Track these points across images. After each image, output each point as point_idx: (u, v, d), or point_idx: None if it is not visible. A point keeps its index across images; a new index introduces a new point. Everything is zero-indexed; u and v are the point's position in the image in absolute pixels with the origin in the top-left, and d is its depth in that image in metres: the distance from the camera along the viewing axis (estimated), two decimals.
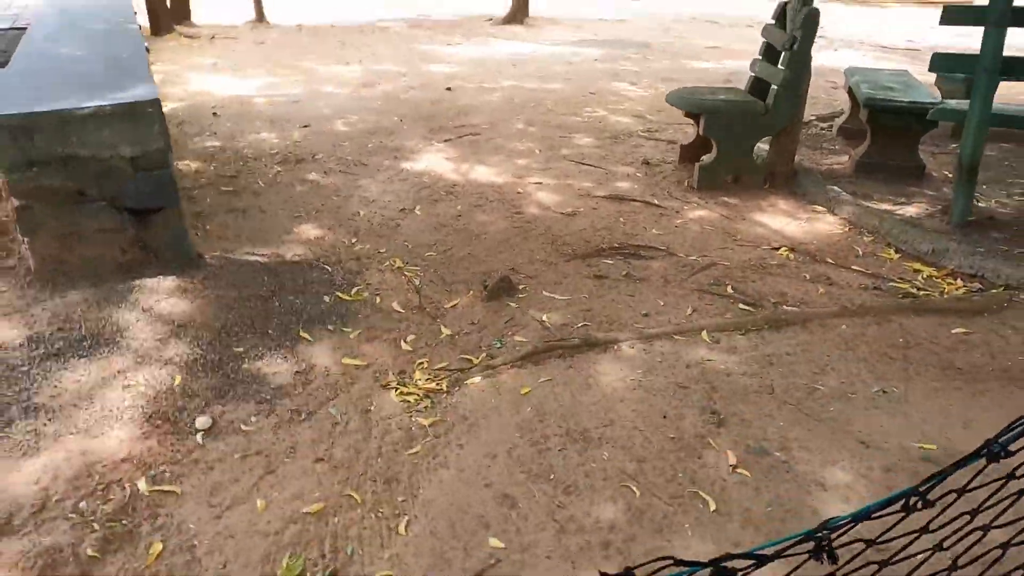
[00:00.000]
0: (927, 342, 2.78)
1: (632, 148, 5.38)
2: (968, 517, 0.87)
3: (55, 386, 2.36)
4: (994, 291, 3.18)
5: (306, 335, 2.79)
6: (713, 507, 1.99)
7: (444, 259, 3.55)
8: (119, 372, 2.45)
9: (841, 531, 0.80)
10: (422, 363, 2.66)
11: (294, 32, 11.28)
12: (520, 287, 3.23)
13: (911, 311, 2.99)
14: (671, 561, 0.73)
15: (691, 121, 4.96)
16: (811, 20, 4.08)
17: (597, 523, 1.94)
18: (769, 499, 2.02)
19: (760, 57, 4.66)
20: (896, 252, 3.61)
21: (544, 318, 2.97)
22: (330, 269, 3.37)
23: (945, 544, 0.89)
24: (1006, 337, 2.83)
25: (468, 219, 4.04)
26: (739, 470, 2.11)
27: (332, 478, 2.08)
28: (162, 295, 2.87)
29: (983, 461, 0.83)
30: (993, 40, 3.39)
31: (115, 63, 3.37)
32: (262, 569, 1.79)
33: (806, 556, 0.78)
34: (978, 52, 3.48)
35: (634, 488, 2.05)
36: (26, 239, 2.78)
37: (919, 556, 0.86)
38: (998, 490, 0.88)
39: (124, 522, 1.90)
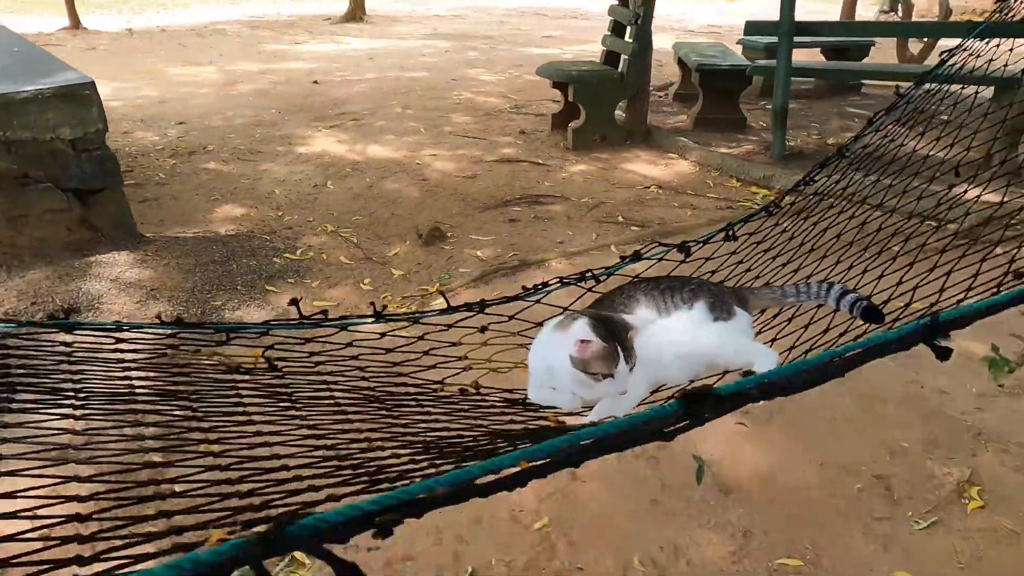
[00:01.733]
0: None
1: (506, 122, 5.97)
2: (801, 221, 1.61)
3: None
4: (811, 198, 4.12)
5: (272, 288, 3.07)
6: None
7: (371, 221, 3.92)
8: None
9: (741, 225, 1.49)
10: (386, 296, 3.05)
11: (126, 37, 10.71)
12: (449, 235, 3.69)
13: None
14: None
15: (556, 94, 5.65)
16: (649, 1, 4.88)
17: None
18: None
19: (609, 33, 5.43)
20: (738, 181, 4.49)
21: (478, 253, 3.46)
22: (268, 237, 3.63)
23: (793, 232, 1.60)
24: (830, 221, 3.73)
25: (380, 188, 4.41)
26: None
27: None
28: (123, 267, 3.01)
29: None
30: (787, 7, 4.35)
31: (21, 55, 3.38)
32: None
33: (722, 240, 1.45)
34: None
35: None
36: None
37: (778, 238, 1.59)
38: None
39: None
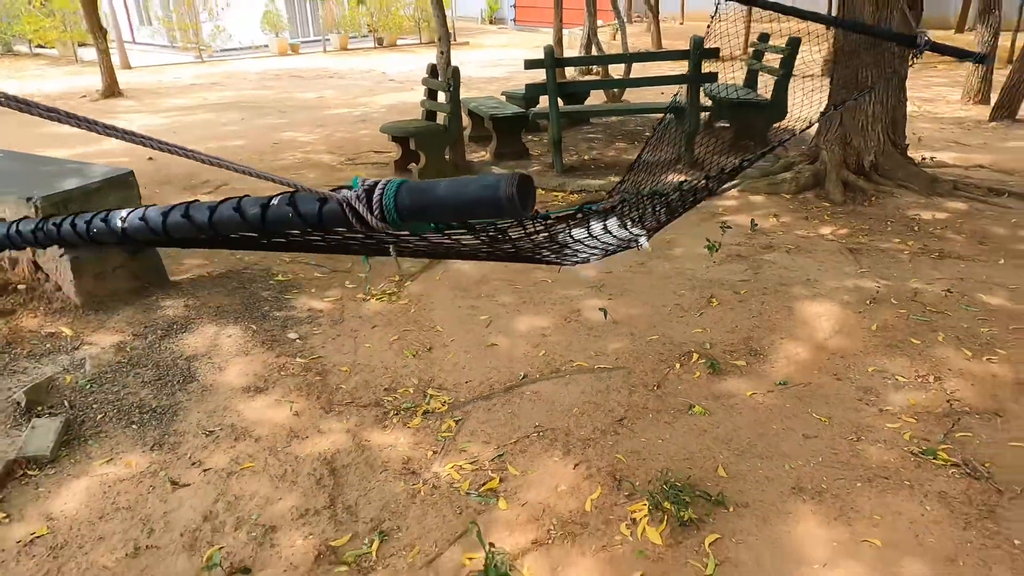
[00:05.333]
0: None
1: (351, 172, 7.55)
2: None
3: (191, 347, 3.68)
4: (592, 194, 6.45)
5: (289, 296, 4.44)
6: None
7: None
8: (216, 332, 3.85)
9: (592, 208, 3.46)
10: (370, 288, 4.60)
11: None
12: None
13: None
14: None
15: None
16: (456, 73, 6.91)
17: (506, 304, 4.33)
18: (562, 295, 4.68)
19: (426, 97, 7.36)
20: (543, 191, 6.69)
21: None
22: (249, 272, 4.89)
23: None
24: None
25: None
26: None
27: (389, 334, 4.00)
28: (182, 299, 4.16)
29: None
30: (551, 75, 6.69)
31: (33, 162, 4.30)
32: (395, 365, 3.70)
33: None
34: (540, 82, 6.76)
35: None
36: (75, 281, 3.80)
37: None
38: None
39: (315, 370, 3.57)
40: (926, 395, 3.13)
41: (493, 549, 2.24)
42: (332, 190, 1.24)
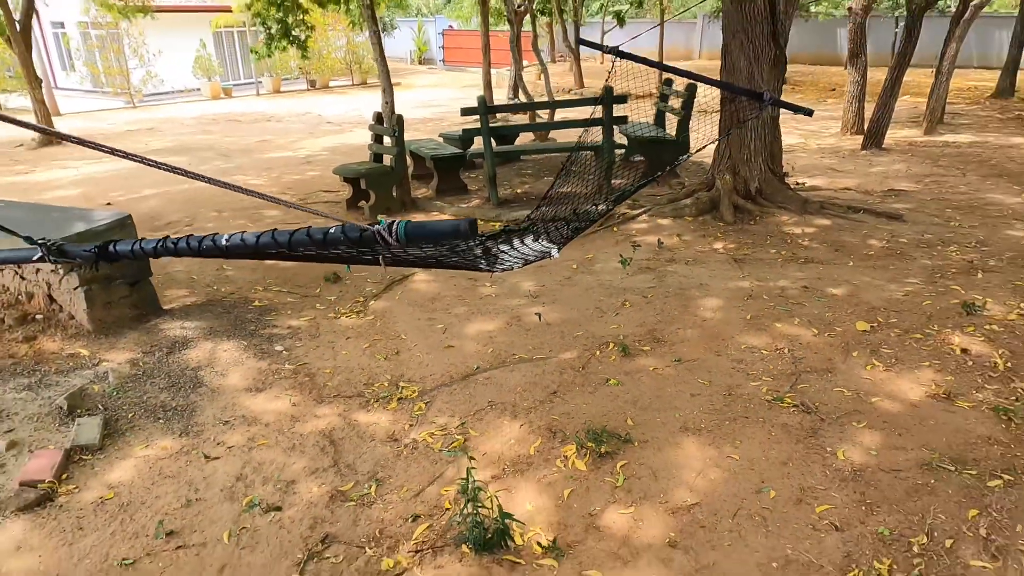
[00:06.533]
0: None
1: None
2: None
3: (195, 360, 4.35)
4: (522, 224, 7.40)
5: (270, 318, 5.15)
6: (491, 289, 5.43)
7: (282, 280, 6.04)
8: (213, 347, 4.53)
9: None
10: (338, 307, 5.36)
11: None
12: (343, 277, 6.05)
13: None
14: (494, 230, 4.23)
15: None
16: (400, 121, 7.80)
17: (453, 311, 5.17)
18: (501, 298, 5.56)
19: (372, 142, 8.20)
20: (483, 221, 7.60)
21: (369, 279, 5.92)
22: (229, 299, 5.56)
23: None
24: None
25: (265, 264, 6.48)
26: (492, 285, 5.61)
27: (361, 343, 4.77)
28: (179, 321, 4.82)
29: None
30: (484, 119, 7.66)
31: (36, 210, 4.91)
32: (369, 366, 4.47)
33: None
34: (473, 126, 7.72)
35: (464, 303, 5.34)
36: (87, 310, 4.42)
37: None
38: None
39: (303, 373, 4.30)
40: (781, 362, 4.14)
41: (472, 473, 3.05)
42: (368, 223, 2.11)
